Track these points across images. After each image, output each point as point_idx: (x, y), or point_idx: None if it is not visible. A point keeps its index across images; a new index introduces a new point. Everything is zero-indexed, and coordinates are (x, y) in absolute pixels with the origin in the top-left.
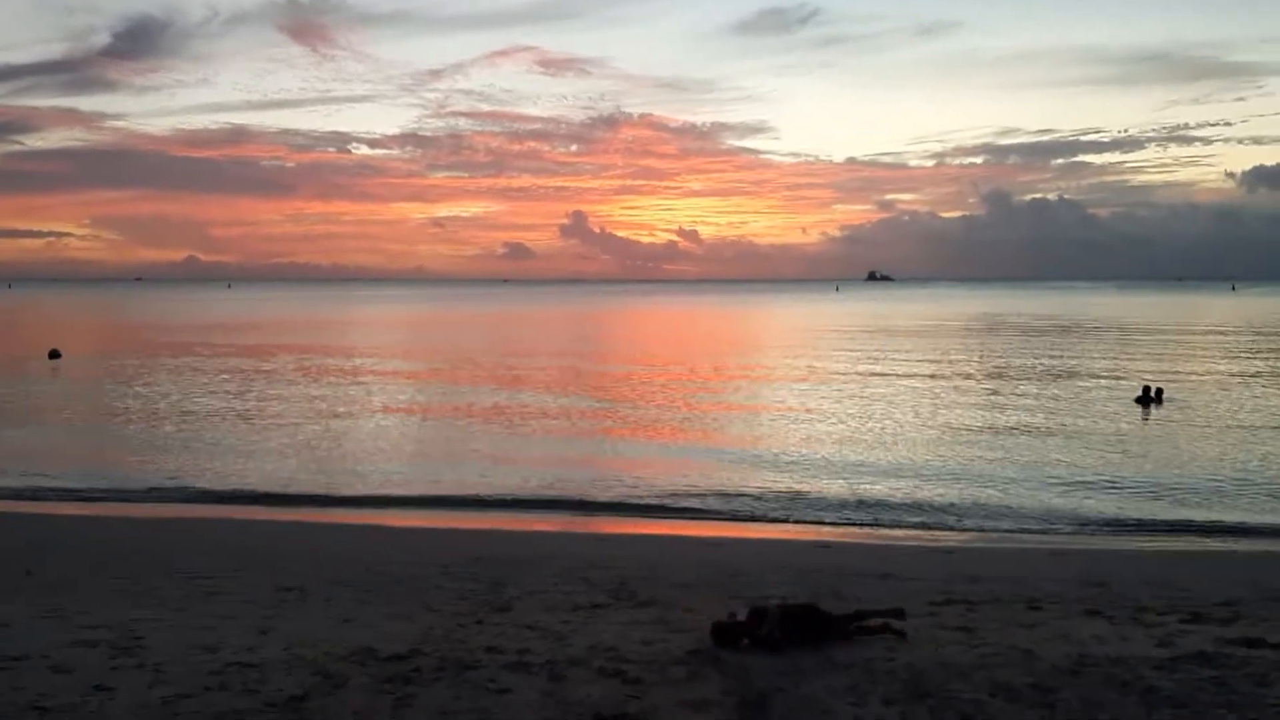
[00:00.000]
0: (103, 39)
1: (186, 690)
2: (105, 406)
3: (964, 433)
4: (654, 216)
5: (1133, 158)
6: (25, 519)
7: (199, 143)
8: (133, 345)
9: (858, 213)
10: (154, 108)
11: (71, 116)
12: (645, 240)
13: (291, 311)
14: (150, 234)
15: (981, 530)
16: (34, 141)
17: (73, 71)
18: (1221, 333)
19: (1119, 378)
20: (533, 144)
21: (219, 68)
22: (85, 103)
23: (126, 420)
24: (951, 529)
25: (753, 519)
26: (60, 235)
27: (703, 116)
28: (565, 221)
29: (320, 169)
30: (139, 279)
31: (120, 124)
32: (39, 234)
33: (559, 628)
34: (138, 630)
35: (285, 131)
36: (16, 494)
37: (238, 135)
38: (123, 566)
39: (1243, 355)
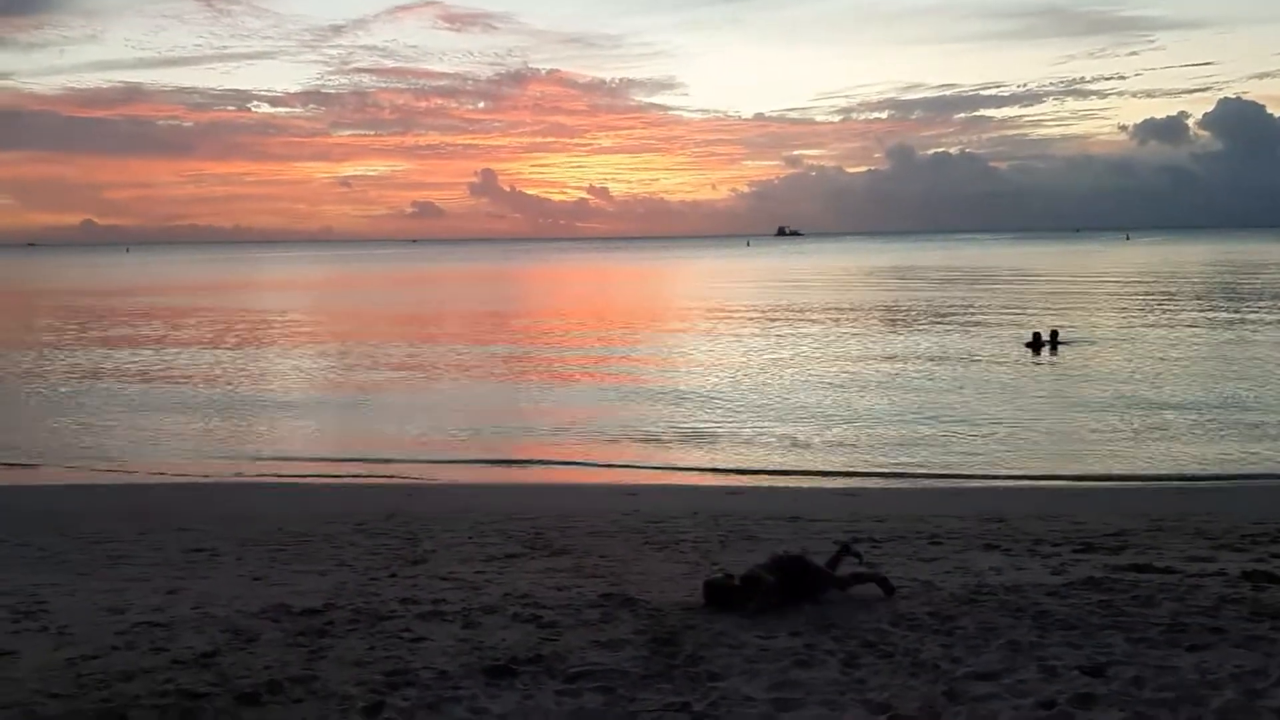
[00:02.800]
0: None
1: (92, 651)
2: None
3: (866, 380)
4: (564, 174)
5: (1031, 112)
6: None
7: (91, 102)
8: (27, 312)
9: (766, 168)
10: (42, 66)
11: None
12: (556, 198)
13: (192, 275)
14: (43, 198)
15: (884, 472)
16: None
17: None
18: (1119, 281)
19: (1017, 324)
20: (440, 101)
21: (109, 24)
22: None
23: (21, 388)
24: (855, 472)
25: (666, 467)
26: None
27: (611, 72)
28: (475, 180)
29: (220, 128)
30: (31, 245)
31: (7, 83)
32: None
33: (473, 578)
34: (40, 595)
35: (181, 90)
36: None
37: (132, 94)
38: (20, 533)
39: (1139, 302)
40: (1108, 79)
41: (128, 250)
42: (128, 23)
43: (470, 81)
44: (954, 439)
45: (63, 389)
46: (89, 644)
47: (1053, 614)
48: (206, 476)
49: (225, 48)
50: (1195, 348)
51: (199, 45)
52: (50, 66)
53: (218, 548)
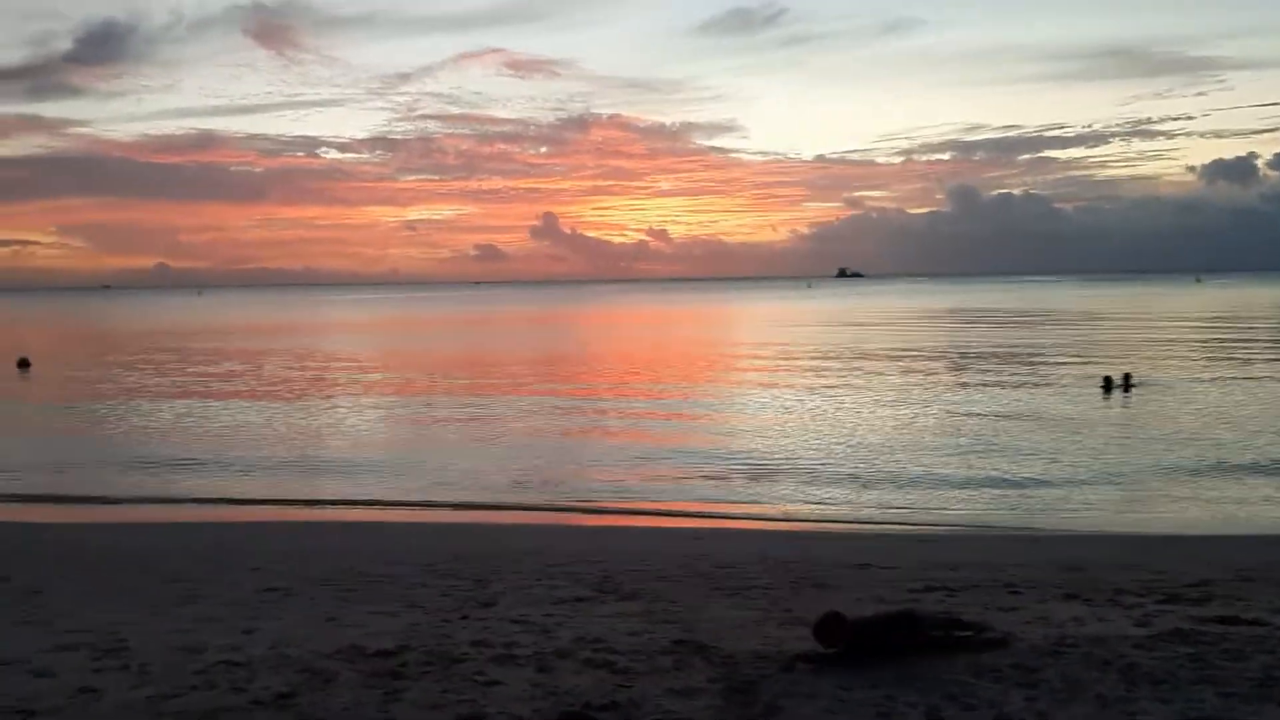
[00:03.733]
0: (64, 44)
1: (172, 690)
2: (76, 414)
3: (935, 424)
4: (624, 217)
5: (1097, 152)
6: None
7: (166, 149)
8: (103, 353)
9: (827, 210)
10: (120, 114)
11: (34, 124)
12: (616, 240)
13: (264, 317)
14: (118, 241)
15: (956, 519)
16: None
17: (34, 78)
18: (1192, 324)
19: (1088, 366)
20: (503, 146)
21: (185, 73)
22: (49, 109)
23: (98, 428)
24: (925, 519)
25: (732, 514)
26: (25, 244)
27: (671, 116)
28: (536, 223)
29: (290, 173)
30: (107, 287)
31: (85, 130)
32: (3, 243)
33: (544, 621)
34: (120, 633)
35: (253, 136)
36: None
37: (206, 141)
38: (99, 571)
39: (1212, 346)
40: (1175, 119)
41: (200, 293)
42: (203, 72)
43: (533, 127)
44: (1026, 484)
45: (139, 428)
46: (169, 683)
47: (1140, 667)
48: (278, 516)
49: (296, 95)
50: (1272, 393)
51: (270, 93)
52: (128, 114)
53: (290, 587)
